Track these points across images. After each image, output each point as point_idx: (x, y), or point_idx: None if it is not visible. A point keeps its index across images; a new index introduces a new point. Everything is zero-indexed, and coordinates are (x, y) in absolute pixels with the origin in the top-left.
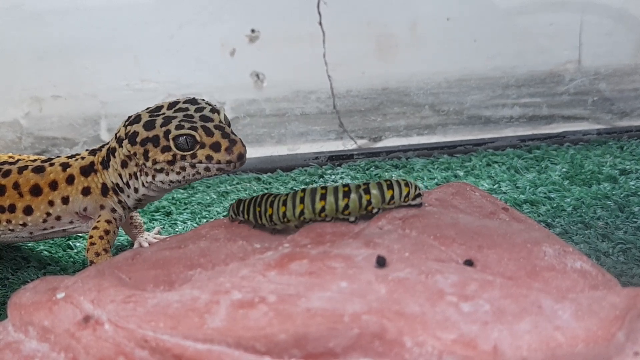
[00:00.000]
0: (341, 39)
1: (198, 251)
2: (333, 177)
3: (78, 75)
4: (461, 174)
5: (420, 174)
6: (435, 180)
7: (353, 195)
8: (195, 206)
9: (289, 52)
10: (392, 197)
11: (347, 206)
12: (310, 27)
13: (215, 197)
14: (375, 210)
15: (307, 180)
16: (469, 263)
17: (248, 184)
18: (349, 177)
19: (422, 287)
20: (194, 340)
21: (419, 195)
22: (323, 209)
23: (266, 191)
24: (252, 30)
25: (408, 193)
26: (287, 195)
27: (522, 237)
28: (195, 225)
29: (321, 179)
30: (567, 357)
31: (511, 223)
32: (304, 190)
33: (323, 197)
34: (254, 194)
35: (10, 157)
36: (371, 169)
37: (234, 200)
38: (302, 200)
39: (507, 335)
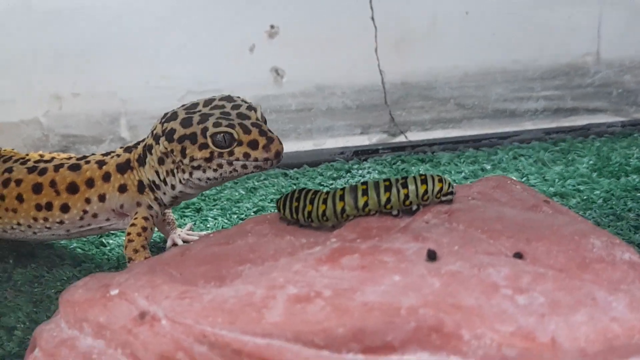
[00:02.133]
0: (357, 32)
1: (247, 247)
2: (360, 171)
3: (98, 73)
4: (488, 167)
5: (447, 167)
6: (463, 174)
7: (394, 190)
8: (225, 202)
9: (308, 47)
10: (426, 192)
11: (389, 200)
12: (331, 22)
13: (243, 193)
14: (414, 207)
15: (335, 175)
16: (519, 256)
17: (275, 180)
18: (376, 172)
19: (476, 280)
20: (253, 334)
21: (451, 192)
22: (366, 204)
23: (294, 187)
24: (272, 26)
25: (441, 189)
26: (326, 193)
27: (568, 230)
28: (225, 221)
29: (348, 174)
30: (624, 348)
31: (556, 216)
32: (342, 188)
33: (365, 193)
34: (283, 190)
35: (40, 155)
36: (397, 164)
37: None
38: (342, 198)
39: (563, 327)
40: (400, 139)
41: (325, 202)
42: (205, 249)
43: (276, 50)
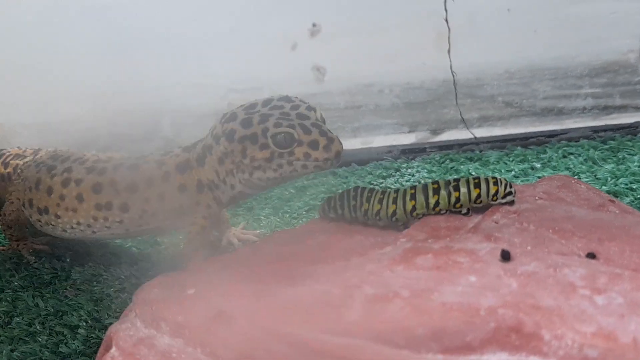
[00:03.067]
0: (399, 29)
1: (316, 246)
2: (409, 170)
3: (140, 70)
4: (538, 165)
5: (496, 166)
6: (513, 172)
7: (463, 190)
8: (276, 201)
9: (350, 45)
10: (479, 195)
11: (458, 199)
12: (372, 19)
13: (294, 192)
14: (464, 211)
15: (384, 174)
16: (592, 256)
17: (325, 179)
18: (425, 170)
19: (553, 281)
20: (332, 334)
21: (510, 193)
22: (437, 203)
23: (344, 186)
24: (314, 25)
25: (497, 192)
26: (396, 192)
27: (639, 230)
28: (278, 220)
29: (397, 173)
30: None
31: (624, 215)
32: (413, 187)
33: (436, 192)
34: (333, 189)
35: (93, 155)
36: (446, 162)
37: (327, 197)
38: (413, 197)
39: None
40: (442, 137)
41: (395, 201)
42: (276, 248)
43: (318, 48)
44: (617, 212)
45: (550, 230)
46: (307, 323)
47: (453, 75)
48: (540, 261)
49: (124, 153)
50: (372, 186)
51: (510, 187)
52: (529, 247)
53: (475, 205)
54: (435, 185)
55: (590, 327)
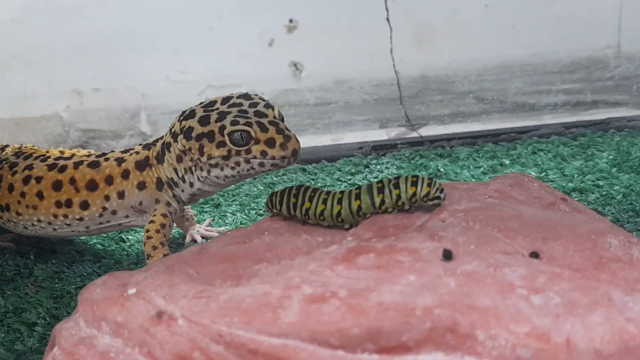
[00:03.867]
0: (375, 26)
1: (263, 245)
2: (378, 167)
3: (118, 68)
4: (507, 162)
5: (466, 162)
6: (482, 169)
7: (386, 190)
8: (244, 198)
9: (327, 41)
10: (414, 194)
11: (382, 202)
12: (349, 17)
13: (262, 188)
14: (407, 207)
15: (353, 170)
16: (535, 255)
17: (294, 175)
18: (394, 166)
19: (492, 280)
20: (269, 335)
21: (439, 197)
22: (383, 202)
23: (312, 182)
24: (290, 20)
25: (428, 193)
26: (341, 192)
27: (585, 228)
28: (244, 217)
29: (366, 169)
30: None
31: (573, 214)
32: (358, 187)
33: (380, 191)
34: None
35: (61, 151)
36: (416, 159)
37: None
38: (358, 197)
39: (579, 327)
40: (417, 134)
41: (340, 202)
42: (223, 248)
43: (295, 44)
44: (567, 210)
45: (496, 229)
46: (246, 324)
47: (396, 74)
48: (482, 260)
49: (95, 150)
50: (312, 185)
51: (442, 191)
52: (472, 246)
53: (410, 204)
54: (380, 185)
55: (524, 327)
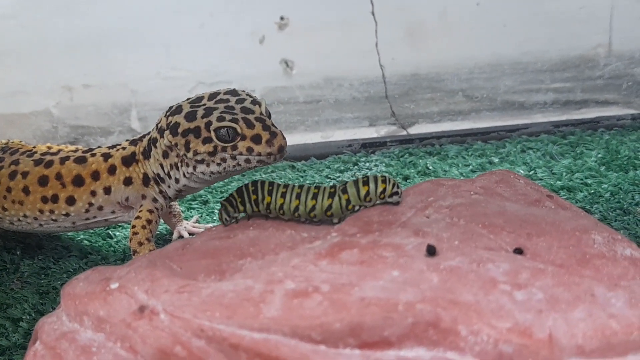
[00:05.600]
0: (370, 25)
1: (247, 240)
2: (367, 164)
3: (108, 64)
4: (496, 160)
5: (455, 160)
6: (470, 167)
7: (336, 198)
8: None
9: (318, 39)
10: (368, 193)
11: (330, 206)
12: (340, 14)
13: None
14: (357, 208)
15: (342, 168)
16: (519, 251)
17: (283, 172)
18: (383, 164)
19: (475, 276)
20: (250, 329)
21: (397, 193)
22: (330, 206)
23: (301, 179)
24: (281, 18)
25: (384, 190)
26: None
27: (570, 225)
28: None
29: (355, 167)
30: (622, 345)
31: (558, 210)
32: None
33: (329, 196)
34: (290, 183)
35: (48, 147)
36: (405, 156)
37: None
38: (314, 197)
39: (561, 323)
40: (409, 131)
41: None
42: (207, 243)
43: (286, 42)
44: (552, 207)
45: (480, 225)
46: (227, 318)
47: (382, 69)
48: (465, 256)
49: (85, 147)
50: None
51: (398, 187)
52: (456, 242)
53: (365, 203)
54: (332, 190)
55: (506, 322)
